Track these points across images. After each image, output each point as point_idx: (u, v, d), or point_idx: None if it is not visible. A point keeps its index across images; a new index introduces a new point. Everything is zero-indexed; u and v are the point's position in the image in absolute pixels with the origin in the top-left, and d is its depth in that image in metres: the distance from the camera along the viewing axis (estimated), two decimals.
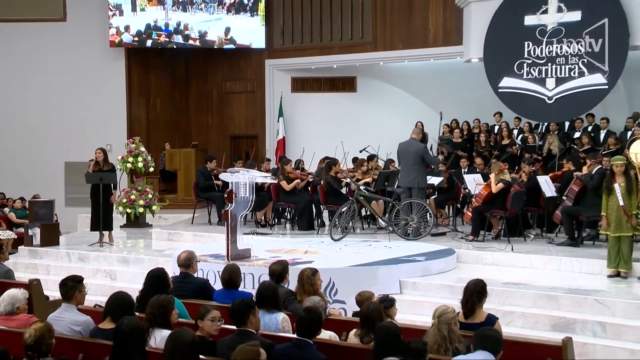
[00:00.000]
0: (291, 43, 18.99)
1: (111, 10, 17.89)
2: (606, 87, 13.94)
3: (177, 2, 17.25)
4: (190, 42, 17.50)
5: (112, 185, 13.07)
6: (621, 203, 9.41)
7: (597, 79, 13.95)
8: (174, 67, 20.29)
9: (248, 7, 17.09)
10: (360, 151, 14.75)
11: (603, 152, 12.84)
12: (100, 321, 5.84)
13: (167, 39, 17.43)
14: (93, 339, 5.73)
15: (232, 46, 17.93)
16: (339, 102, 18.99)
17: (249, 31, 17.34)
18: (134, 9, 17.87)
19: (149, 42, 17.51)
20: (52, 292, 7.87)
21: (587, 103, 14.39)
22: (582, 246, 11.31)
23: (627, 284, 9.33)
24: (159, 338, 5.41)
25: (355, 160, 15.09)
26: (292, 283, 7.38)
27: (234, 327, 5.59)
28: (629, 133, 13.96)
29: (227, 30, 17.31)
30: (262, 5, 17.12)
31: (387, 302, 6.51)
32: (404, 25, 17.48)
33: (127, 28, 17.87)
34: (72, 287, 6.22)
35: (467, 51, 15.77)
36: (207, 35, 17.29)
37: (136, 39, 17.73)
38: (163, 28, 17.57)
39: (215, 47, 17.52)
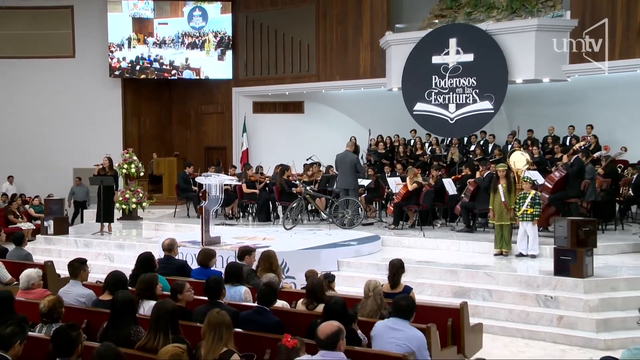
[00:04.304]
0: (252, 74, 18.93)
1: (113, 47, 18.79)
2: (492, 111, 14.28)
3: (156, 42, 18.99)
4: (164, 67, 19.09)
5: (114, 186, 12.92)
6: (503, 200, 9.64)
7: (486, 105, 14.27)
8: (160, 94, 20.10)
9: (199, 45, 19.01)
10: (307, 160, 14.77)
11: (491, 160, 13.11)
12: (101, 294, 5.77)
13: (149, 65, 19.01)
14: (95, 308, 5.66)
15: (191, 73, 19.15)
16: (290, 121, 18.95)
17: (200, 60, 19.09)
18: (129, 46, 18.83)
19: (137, 67, 18.97)
20: (63, 271, 7.69)
21: (479, 123, 14.71)
22: (476, 232, 11.55)
23: (507, 260, 9.58)
24: (147, 307, 5.36)
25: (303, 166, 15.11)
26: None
27: (206, 298, 5.54)
28: (509, 146, 14.28)
29: (187, 59, 19.06)
30: (206, 44, 19.01)
31: (330, 278, 6.55)
32: (340, 61, 17.53)
33: (124, 58, 18.91)
34: (78, 267, 6.14)
35: (389, 82, 15.94)
36: (174, 63, 19.07)
37: (129, 65, 18.93)
38: (147, 58, 19.04)
39: (180, 70, 19.07)
